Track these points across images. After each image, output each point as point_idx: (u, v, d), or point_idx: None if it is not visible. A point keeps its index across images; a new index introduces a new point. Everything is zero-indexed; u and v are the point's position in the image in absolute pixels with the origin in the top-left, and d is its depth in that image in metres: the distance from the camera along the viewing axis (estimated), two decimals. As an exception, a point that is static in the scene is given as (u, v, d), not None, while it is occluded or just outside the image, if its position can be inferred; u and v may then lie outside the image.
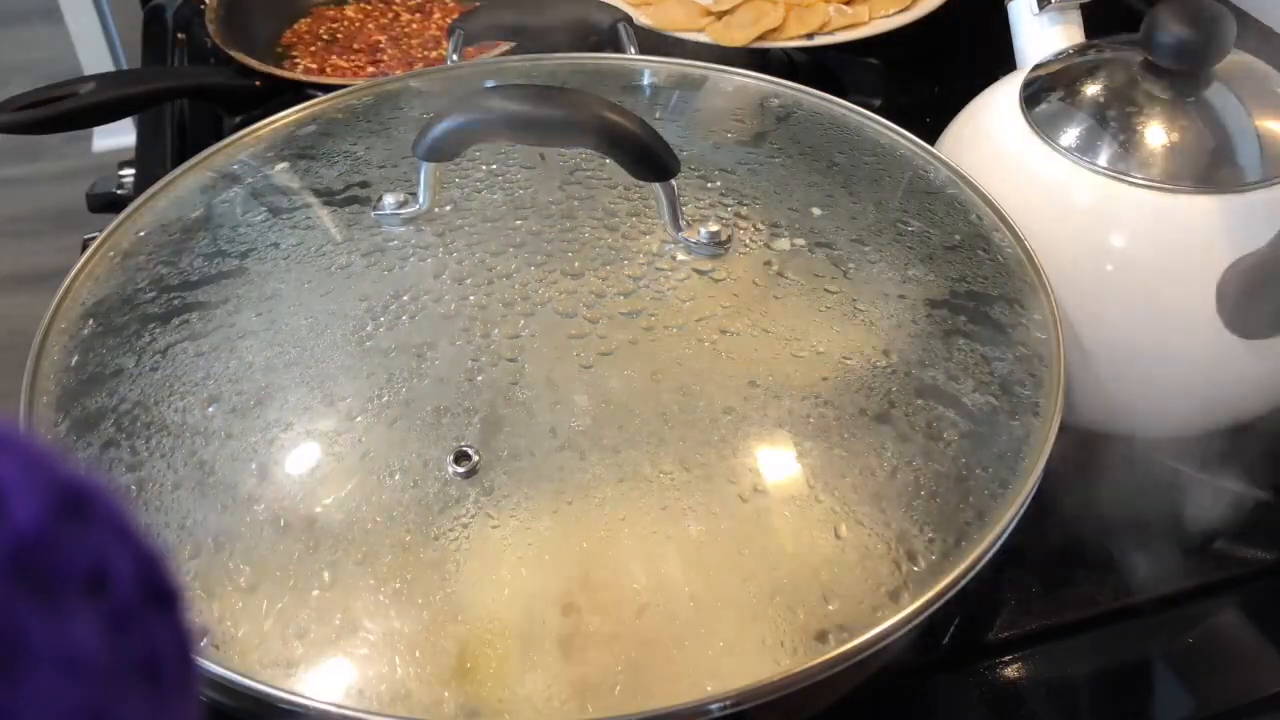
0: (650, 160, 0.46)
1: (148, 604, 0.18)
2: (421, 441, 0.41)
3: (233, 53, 0.75)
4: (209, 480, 0.41)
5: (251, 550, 0.39)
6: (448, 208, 0.49)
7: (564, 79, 0.59)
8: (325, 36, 0.84)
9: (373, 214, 0.49)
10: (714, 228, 0.47)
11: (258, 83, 0.74)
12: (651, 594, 0.38)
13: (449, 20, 0.83)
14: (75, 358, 0.46)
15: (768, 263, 0.47)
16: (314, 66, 0.80)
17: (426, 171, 0.48)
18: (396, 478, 0.40)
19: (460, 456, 0.41)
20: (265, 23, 0.84)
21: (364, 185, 0.52)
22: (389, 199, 0.49)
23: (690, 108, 0.60)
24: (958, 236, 0.50)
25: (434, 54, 0.80)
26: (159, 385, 0.44)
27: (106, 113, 0.71)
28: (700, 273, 0.46)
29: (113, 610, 0.18)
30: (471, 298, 0.45)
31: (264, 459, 0.41)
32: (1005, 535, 0.41)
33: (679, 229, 0.47)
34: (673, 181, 0.46)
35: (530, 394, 0.42)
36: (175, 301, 0.47)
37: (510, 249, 0.47)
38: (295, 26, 0.85)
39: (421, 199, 0.49)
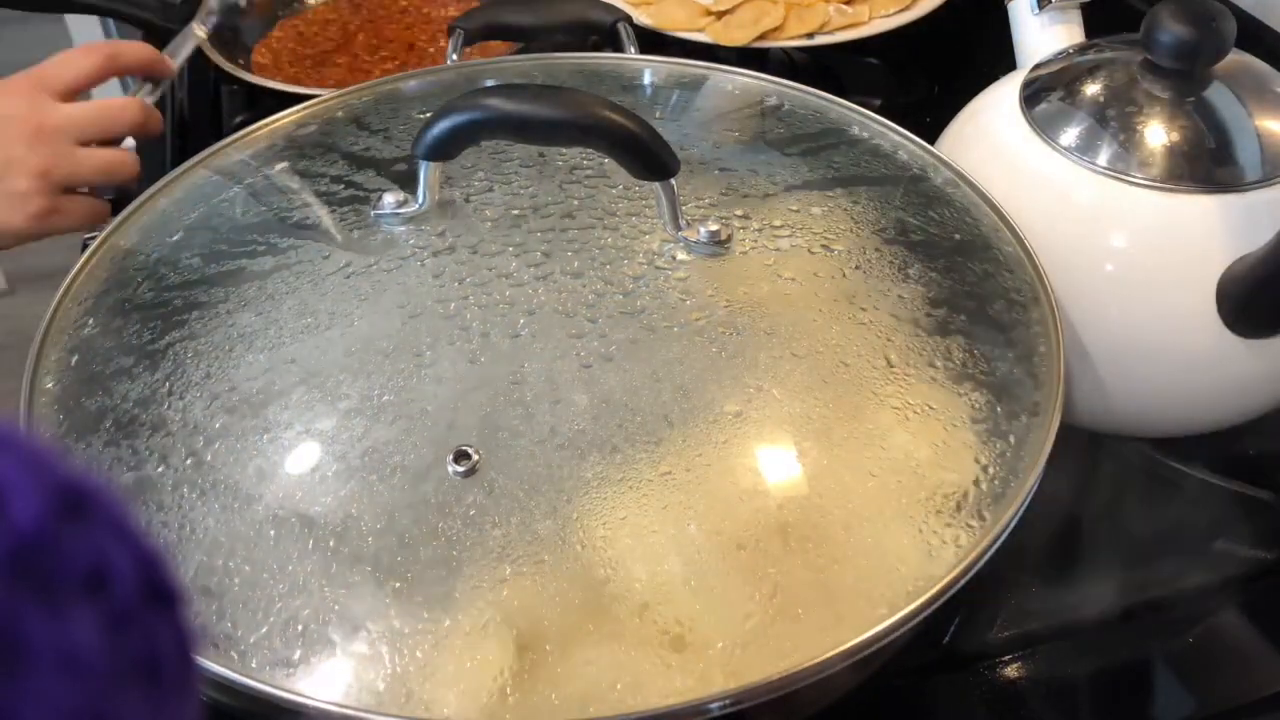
0: (650, 160, 0.46)
1: (148, 604, 0.18)
2: (421, 441, 0.41)
3: (231, 69, 0.75)
4: (209, 480, 0.41)
5: (251, 550, 0.39)
6: (448, 208, 0.49)
7: (564, 79, 0.59)
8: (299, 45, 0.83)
9: (373, 214, 0.49)
10: (714, 227, 0.47)
11: (237, 86, 0.74)
12: (651, 594, 0.38)
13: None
14: (75, 358, 0.46)
15: (768, 263, 0.47)
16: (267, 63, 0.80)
17: (426, 171, 0.48)
18: (396, 477, 0.40)
19: (460, 456, 0.41)
20: (254, 28, 0.84)
21: (364, 185, 0.52)
22: (389, 199, 0.49)
23: (690, 108, 0.60)
24: (958, 236, 0.50)
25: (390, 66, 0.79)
26: (158, 385, 0.44)
27: None
28: (700, 272, 0.46)
29: (113, 610, 0.18)
30: (471, 298, 0.45)
31: (264, 459, 0.41)
32: (1005, 535, 0.40)
33: (679, 228, 0.47)
34: (673, 181, 0.46)
35: (530, 394, 0.42)
36: (175, 301, 0.47)
37: (510, 249, 0.47)
38: (276, 31, 0.84)
39: (421, 199, 0.49)
